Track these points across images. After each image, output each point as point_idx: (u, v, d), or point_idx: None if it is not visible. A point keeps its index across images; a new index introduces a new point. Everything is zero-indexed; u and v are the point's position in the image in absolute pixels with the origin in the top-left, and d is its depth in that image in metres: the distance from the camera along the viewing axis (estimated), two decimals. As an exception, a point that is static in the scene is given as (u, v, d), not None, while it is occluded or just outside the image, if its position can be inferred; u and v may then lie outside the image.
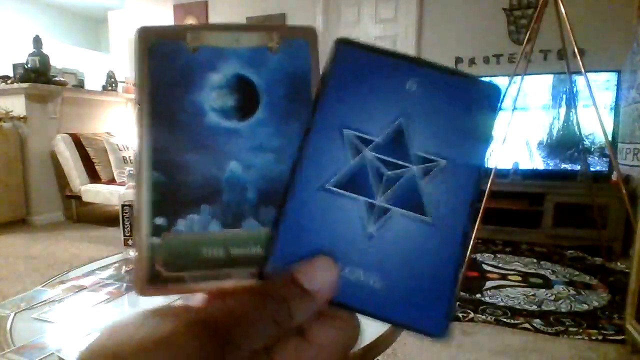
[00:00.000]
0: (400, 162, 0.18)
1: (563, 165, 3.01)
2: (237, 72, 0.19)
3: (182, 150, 0.18)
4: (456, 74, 0.19)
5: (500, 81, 3.00)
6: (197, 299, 0.20)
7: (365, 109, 0.18)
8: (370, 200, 0.18)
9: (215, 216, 0.18)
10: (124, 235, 1.32)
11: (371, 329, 0.73)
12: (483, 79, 0.20)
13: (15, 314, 0.95)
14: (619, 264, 2.57)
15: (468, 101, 0.19)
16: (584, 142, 2.87)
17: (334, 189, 0.18)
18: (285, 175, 0.18)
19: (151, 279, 0.18)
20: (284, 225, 0.18)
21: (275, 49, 0.19)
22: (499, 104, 0.19)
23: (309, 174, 0.18)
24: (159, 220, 0.18)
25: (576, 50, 2.12)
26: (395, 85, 0.18)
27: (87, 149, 3.64)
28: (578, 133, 2.76)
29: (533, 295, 2.09)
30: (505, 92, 2.48)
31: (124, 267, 1.28)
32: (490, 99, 0.19)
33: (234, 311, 0.16)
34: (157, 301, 0.18)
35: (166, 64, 0.19)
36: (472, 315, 1.87)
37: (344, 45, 0.19)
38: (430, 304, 0.18)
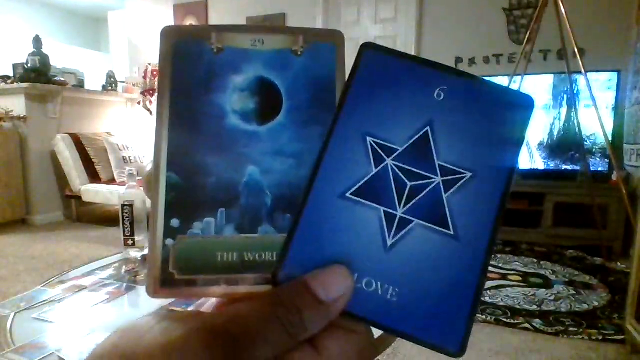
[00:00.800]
0: (424, 173, 0.18)
1: (564, 166, 3.01)
2: (260, 75, 0.19)
3: (201, 152, 0.18)
4: (487, 83, 0.18)
5: (501, 81, 3.01)
6: (209, 304, 0.20)
7: (390, 116, 0.18)
8: (391, 211, 0.18)
9: (231, 220, 0.18)
10: (124, 235, 1.32)
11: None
12: (517, 89, 0.19)
13: (15, 314, 0.95)
14: (619, 264, 2.57)
15: (498, 113, 0.18)
16: (585, 143, 2.87)
17: (354, 197, 0.18)
18: (304, 181, 0.18)
19: (163, 281, 0.18)
20: (300, 231, 0.17)
21: (300, 52, 0.19)
22: (531, 117, 0.18)
23: (328, 180, 0.18)
24: (174, 222, 0.18)
25: (576, 50, 2.12)
26: (422, 93, 0.18)
27: (87, 149, 3.63)
28: (579, 133, 2.76)
29: (533, 295, 2.09)
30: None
31: (124, 267, 1.28)
32: (522, 111, 0.18)
33: (245, 319, 0.16)
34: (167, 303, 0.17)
35: (189, 63, 0.18)
36: (472, 315, 1.87)
37: (370, 51, 0.18)
38: (448, 321, 0.17)
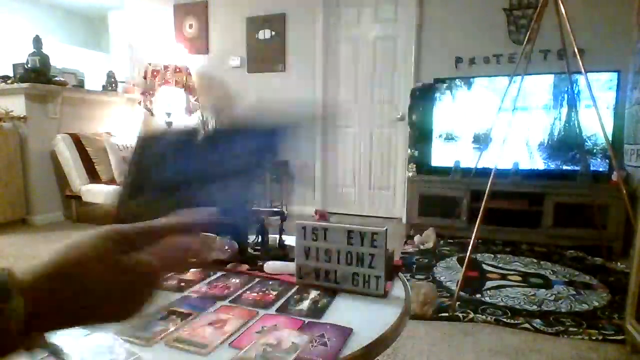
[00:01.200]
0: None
1: (564, 166, 3.01)
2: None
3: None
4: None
5: (500, 81, 3.01)
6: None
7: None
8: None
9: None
10: (124, 235, 1.32)
11: (371, 330, 0.72)
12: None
13: (15, 314, 0.96)
14: (619, 264, 2.57)
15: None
16: (585, 143, 2.87)
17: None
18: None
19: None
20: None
21: None
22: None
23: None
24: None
25: (576, 50, 2.12)
26: (183, 149, 0.38)
27: (87, 149, 3.64)
28: (579, 133, 2.76)
29: (533, 295, 2.09)
30: (506, 92, 2.47)
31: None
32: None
33: (128, 232, 0.30)
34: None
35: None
36: (472, 315, 1.87)
37: (144, 139, 0.36)
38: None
